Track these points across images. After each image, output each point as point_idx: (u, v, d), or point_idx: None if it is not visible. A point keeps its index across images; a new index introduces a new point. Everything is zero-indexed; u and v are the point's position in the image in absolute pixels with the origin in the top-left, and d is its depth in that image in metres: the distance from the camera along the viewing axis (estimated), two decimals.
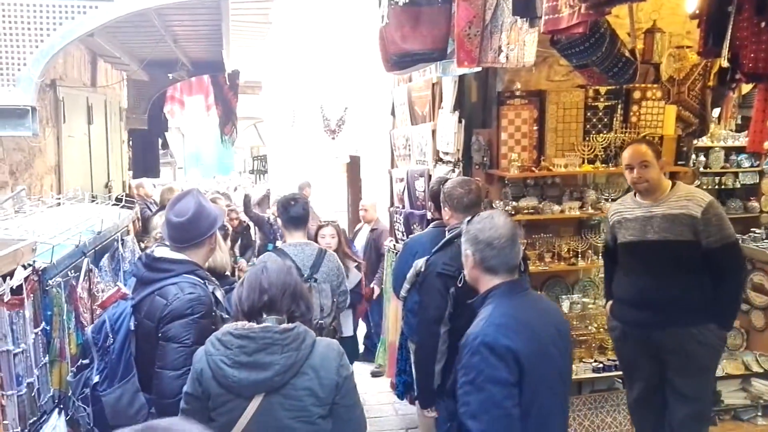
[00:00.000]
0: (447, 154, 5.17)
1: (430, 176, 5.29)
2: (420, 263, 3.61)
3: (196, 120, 10.03)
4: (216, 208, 2.85)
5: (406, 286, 3.79)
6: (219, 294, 2.67)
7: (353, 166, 11.56)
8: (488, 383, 2.13)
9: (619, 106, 4.74)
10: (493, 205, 4.58)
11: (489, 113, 4.86)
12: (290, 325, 2.10)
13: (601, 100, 4.71)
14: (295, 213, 3.90)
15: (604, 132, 4.70)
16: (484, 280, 2.35)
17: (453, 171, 4.92)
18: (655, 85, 4.79)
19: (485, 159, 4.77)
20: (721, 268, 3.51)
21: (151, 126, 8.61)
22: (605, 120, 4.73)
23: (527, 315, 2.31)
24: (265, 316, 2.12)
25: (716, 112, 5.84)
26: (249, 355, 2.03)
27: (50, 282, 2.55)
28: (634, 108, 4.77)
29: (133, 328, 2.53)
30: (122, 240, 3.64)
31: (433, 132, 5.40)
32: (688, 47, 4.61)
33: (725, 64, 2.67)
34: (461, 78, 4.89)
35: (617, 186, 4.96)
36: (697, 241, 3.50)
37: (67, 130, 5.18)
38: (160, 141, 9.12)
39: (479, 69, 4.17)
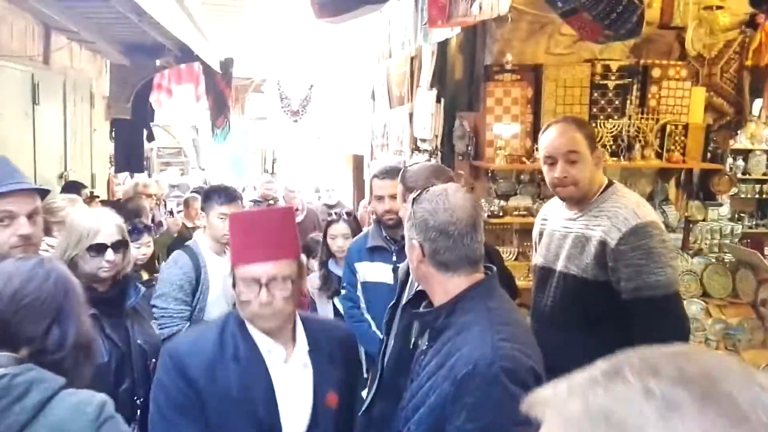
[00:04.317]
0: (424, 141, 4.35)
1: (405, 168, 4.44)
2: None
3: (185, 111, 9.28)
4: None
5: None
6: None
7: (359, 162, 10.79)
8: (512, 424, 1.35)
9: (635, 86, 3.92)
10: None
11: (476, 93, 4.06)
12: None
13: (612, 78, 3.89)
14: None
15: (615, 117, 3.90)
16: (437, 279, 1.69)
17: (429, 161, 4.11)
18: (680, 63, 3.94)
19: (469, 148, 3.98)
20: (637, 336, 2.08)
21: (135, 116, 7.98)
22: (616, 102, 3.90)
23: (520, 317, 1.76)
24: None
25: (758, 105, 4.96)
26: None
27: None
28: (653, 89, 3.93)
29: None
30: None
31: (411, 116, 4.58)
32: (718, 8, 3.70)
33: None
34: (443, 50, 4.10)
35: (631, 184, 4.11)
36: (608, 282, 2.25)
37: None
38: (145, 132, 8.44)
39: (457, 31, 3.38)
